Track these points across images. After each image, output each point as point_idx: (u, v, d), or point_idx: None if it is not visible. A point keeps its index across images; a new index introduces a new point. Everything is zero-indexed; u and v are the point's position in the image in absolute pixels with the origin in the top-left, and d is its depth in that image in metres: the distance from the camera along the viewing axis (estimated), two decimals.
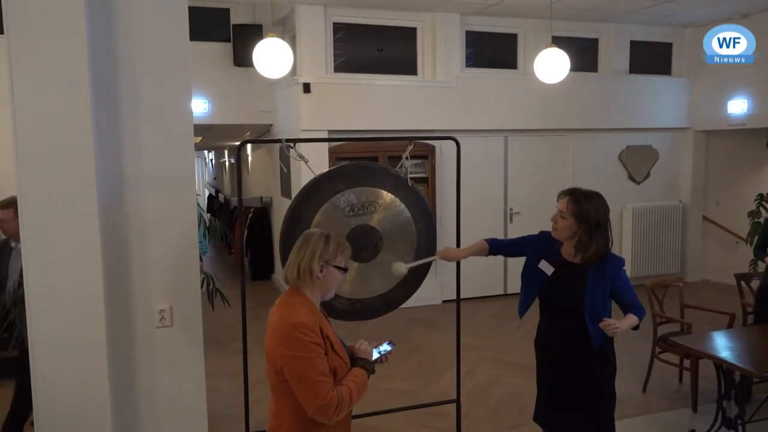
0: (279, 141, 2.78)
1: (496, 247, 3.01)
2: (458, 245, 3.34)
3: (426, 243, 3.10)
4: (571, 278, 2.79)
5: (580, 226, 2.69)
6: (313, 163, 2.91)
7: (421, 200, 3.09)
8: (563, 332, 2.85)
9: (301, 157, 2.82)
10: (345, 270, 2.25)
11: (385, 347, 2.42)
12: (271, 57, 4.55)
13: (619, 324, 2.66)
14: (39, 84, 2.77)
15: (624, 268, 2.86)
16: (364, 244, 2.98)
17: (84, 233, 2.87)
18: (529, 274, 2.92)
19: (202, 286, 4.05)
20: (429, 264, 3.10)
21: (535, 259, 2.88)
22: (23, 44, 2.74)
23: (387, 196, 2.98)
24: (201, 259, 3.74)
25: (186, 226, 3.20)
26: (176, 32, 3.12)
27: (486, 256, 3.03)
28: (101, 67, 2.95)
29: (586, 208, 2.68)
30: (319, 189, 2.89)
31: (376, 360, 2.37)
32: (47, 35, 2.75)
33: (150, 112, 3.08)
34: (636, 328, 2.80)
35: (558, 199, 2.80)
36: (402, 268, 2.96)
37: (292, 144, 2.81)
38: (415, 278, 3.12)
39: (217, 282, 5.02)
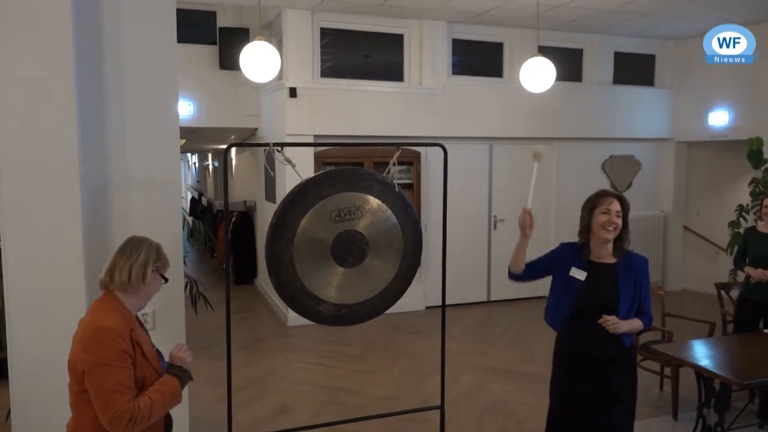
0: (267, 145, 2.77)
1: (527, 267, 3.02)
2: (444, 252, 3.34)
3: (413, 249, 3.10)
4: (603, 278, 2.85)
5: (624, 222, 2.87)
6: (298, 167, 2.90)
7: (408, 206, 3.09)
8: (598, 337, 2.81)
9: (289, 161, 2.82)
10: (167, 280, 2.25)
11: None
12: (258, 60, 4.53)
13: (620, 322, 2.75)
14: (23, 84, 2.74)
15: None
16: (351, 249, 2.97)
17: (67, 235, 2.84)
18: (561, 285, 2.92)
19: (185, 289, 4.01)
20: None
21: (565, 269, 2.90)
22: (8, 44, 2.71)
23: (374, 201, 2.98)
24: (184, 262, 3.71)
25: (170, 229, 3.18)
26: (164, 34, 3.11)
27: (518, 271, 3.03)
28: (87, 67, 2.92)
29: (628, 205, 2.89)
30: (306, 194, 2.88)
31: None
32: (32, 35, 2.73)
33: (136, 114, 3.06)
34: (638, 333, 2.90)
35: (605, 202, 2.85)
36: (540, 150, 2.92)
37: (279, 148, 2.80)
38: (400, 284, 3.12)
39: (200, 286, 4.98)
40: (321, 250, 2.93)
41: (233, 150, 10.98)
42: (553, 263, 3.00)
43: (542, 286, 8.58)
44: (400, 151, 2.98)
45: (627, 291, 2.83)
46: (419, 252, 3.14)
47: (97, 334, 1.98)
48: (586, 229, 2.91)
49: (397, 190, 3.03)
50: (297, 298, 2.95)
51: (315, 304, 2.96)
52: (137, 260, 2.12)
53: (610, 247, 2.87)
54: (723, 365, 3.79)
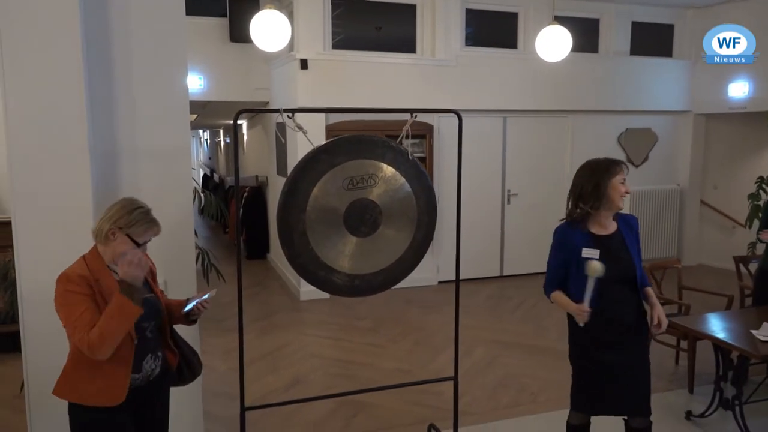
0: (277, 111, 2.71)
1: (559, 287, 2.88)
2: (458, 225, 3.27)
3: (427, 218, 3.04)
4: (615, 248, 2.81)
5: None
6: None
7: (422, 174, 3.02)
8: (624, 302, 2.82)
9: (300, 127, 2.76)
10: (138, 245, 2.23)
11: (204, 297, 2.42)
12: (269, 30, 4.45)
13: (659, 313, 2.81)
14: (31, 57, 2.70)
15: None
16: (363, 218, 2.92)
17: (77, 207, 2.81)
18: (578, 270, 2.77)
19: (197, 261, 4.00)
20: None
21: (576, 253, 2.78)
22: (15, 17, 2.66)
23: (387, 169, 2.91)
24: (196, 234, 3.69)
25: (181, 200, 3.15)
26: (172, 6, 3.04)
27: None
28: (95, 40, 2.87)
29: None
30: (317, 161, 2.83)
31: (191, 309, 2.40)
32: (40, 7, 2.67)
33: (145, 87, 3.02)
34: None
35: (622, 171, 2.80)
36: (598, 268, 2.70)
37: (290, 114, 2.74)
38: (414, 254, 3.07)
39: (212, 257, 4.97)
40: (333, 220, 2.88)
41: (244, 126, 10.94)
42: (566, 255, 2.82)
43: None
44: (414, 117, 2.90)
45: (635, 251, 2.85)
46: (434, 221, 3.08)
47: (57, 282, 2.18)
48: (600, 197, 2.76)
49: (410, 157, 2.97)
50: (310, 268, 2.91)
51: (328, 275, 2.93)
52: (105, 215, 2.24)
53: (609, 216, 2.84)
54: (741, 337, 3.72)
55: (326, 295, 6.94)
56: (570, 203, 2.87)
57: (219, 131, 16.08)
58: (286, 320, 6.29)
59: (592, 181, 2.77)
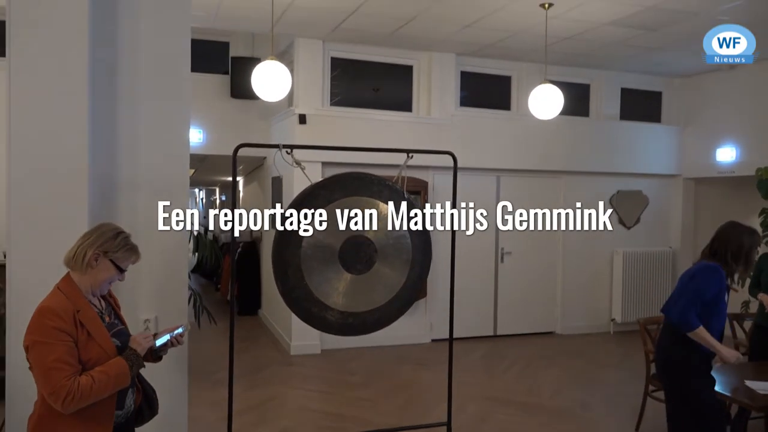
0: (276, 146, 2.77)
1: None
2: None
3: (422, 257, 3.06)
4: None
5: None
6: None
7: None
8: None
9: (298, 163, 2.81)
10: (121, 270, 2.20)
11: (178, 330, 2.36)
12: (270, 80, 4.60)
13: None
14: (36, 107, 2.75)
15: None
16: (359, 256, 2.93)
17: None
18: (723, 305, 3.22)
19: (188, 302, 3.95)
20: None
21: (723, 297, 3.19)
22: (24, 51, 2.73)
23: (383, 207, 2.95)
24: (189, 277, 3.67)
25: (177, 236, 3.14)
26: (178, 62, 3.12)
27: None
28: (101, 86, 2.93)
29: None
30: (315, 197, 2.86)
31: (164, 344, 2.31)
32: (49, 43, 2.76)
33: (147, 119, 3.06)
34: None
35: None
36: None
37: (289, 150, 2.80)
38: (408, 293, 3.06)
39: (204, 300, 4.92)
40: (328, 256, 2.89)
41: (241, 182, 11.06)
42: (720, 293, 3.17)
43: (551, 322, 8.35)
44: (410, 157, 2.97)
45: None
46: (428, 260, 3.10)
47: (36, 315, 2.05)
48: (749, 264, 3.20)
49: (406, 196, 3.01)
50: (304, 304, 2.90)
51: (321, 311, 2.91)
52: (85, 241, 2.16)
53: None
54: (739, 390, 3.67)
55: (317, 351, 6.84)
56: (721, 254, 3.15)
57: (215, 189, 16.20)
58: (276, 374, 6.17)
59: (746, 247, 3.15)
